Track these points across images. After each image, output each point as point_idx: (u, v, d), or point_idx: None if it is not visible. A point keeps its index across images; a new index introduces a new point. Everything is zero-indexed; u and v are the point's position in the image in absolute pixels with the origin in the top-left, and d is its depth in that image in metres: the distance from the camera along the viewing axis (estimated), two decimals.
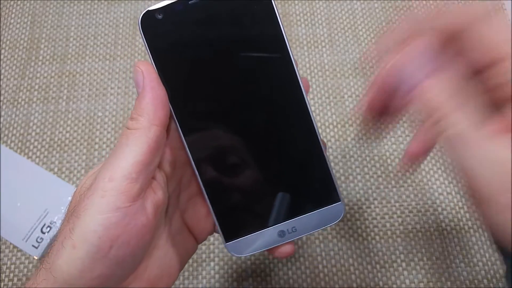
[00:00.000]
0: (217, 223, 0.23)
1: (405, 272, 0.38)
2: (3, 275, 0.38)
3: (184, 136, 0.22)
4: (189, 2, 0.21)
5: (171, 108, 0.21)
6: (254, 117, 0.22)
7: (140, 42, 0.48)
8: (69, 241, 0.18)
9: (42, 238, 0.38)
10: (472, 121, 0.17)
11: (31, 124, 0.44)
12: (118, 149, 0.19)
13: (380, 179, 0.41)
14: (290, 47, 0.21)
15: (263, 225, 0.23)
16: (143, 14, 0.22)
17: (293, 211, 0.23)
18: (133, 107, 0.20)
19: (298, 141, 0.22)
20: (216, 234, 0.39)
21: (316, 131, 0.22)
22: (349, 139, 0.43)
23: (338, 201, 0.23)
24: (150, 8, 0.21)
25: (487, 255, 0.38)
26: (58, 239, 0.19)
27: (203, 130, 0.22)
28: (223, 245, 0.23)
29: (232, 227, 0.23)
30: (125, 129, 0.20)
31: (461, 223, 0.39)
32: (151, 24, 0.21)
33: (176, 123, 0.22)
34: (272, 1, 0.21)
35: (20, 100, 0.46)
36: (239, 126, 0.22)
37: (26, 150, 0.43)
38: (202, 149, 0.22)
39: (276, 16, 0.21)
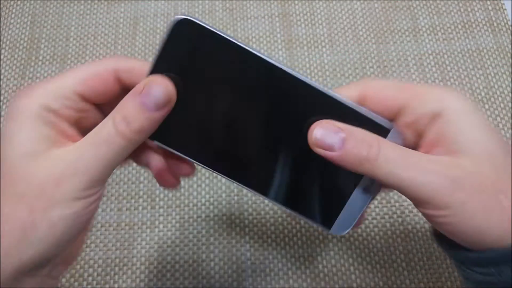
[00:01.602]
0: (311, 222, 0.24)
1: (405, 272, 0.38)
2: None
3: (228, 175, 0.23)
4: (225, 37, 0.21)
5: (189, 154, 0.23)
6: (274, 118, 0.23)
7: (140, 42, 0.48)
8: (45, 222, 0.19)
9: None
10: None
11: None
12: (110, 151, 0.20)
13: None
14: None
15: (347, 195, 0.24)
16: (182, 19, 0.21)
17: None
18: (138, 115, 0.20)
19: (320, 108, 0.23)
20: (212, 232, 0.40)
21: (337, 97, 0.23)
22: None
23: (389, 130, 0.23)
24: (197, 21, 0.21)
25: None
26: (9, 221, 0.19)
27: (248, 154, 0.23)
28: (329, 233, 0.24)
29: (324, 216, 0.24)
30: (117, 133, 0.20)
31: None
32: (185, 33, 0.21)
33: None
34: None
35: None
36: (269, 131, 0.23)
37: None
38: (253, 175, 0.24)
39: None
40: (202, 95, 0.22)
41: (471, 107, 0.21)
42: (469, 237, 0.20)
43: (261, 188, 0.23)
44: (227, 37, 0.21)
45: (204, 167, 0.23)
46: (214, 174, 0.42)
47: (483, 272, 0.21)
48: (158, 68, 0.21)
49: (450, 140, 0.21)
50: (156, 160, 0.24)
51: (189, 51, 0.21)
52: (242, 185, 0.23)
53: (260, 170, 0.23)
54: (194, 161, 0.23)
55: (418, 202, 0.21)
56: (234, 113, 0.22)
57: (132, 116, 0.20)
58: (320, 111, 0.22)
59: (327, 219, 0.24)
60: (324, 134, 0.21)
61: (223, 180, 0.42)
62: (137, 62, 0.22)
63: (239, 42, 0.21)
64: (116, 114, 0.20)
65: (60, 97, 0.20)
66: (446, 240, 0.22)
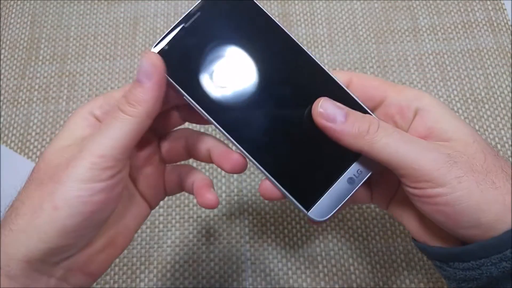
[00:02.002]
0: (291, 198, 0.24)
1: (405, 272, 0.38)
2: None
3: (223, 127, 0.24)
4: (185, 26, 0.24)
5: (204, 109, 0.24)
6: (282, 91, 0.25)
7: (140, 42, 0.48)
8: (50, 204, 0.19)
9: None
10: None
11: (31, 124, 0.44)
12: (109, 128, 0.21)
13: None
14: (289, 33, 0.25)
15: (331, 181, 0.24)
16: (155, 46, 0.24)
17: (350, 156, 0.24)
18: (133, 90, 0.22)
19: (327, 95, 0.24)
20: (212, 232, 0.40)
21: (339, 82, 0.24)
22: None
23: None
24: (155, 49, 0.24)
25: None
26: (26, 202, 0.20)
27: (243, 117, 0.24)
28: (306, 216, 0.24)
29: (305, 195, 0.24)
30: (119, 111, 0.21)
31: None
32: (164, 58, 0.23)
33: (208, 115, 0.24)
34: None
35: (20, 100, 0.46)
36: (271, 103, 0.24)
37: (26, 150, 0.43)
38: (248, 133, 0.24)
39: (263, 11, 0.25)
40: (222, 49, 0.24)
41: (443, 104, 0.23)
42: (466, 218, 0.20)
43: (251, 148, 0.24)
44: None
45: (204, 115, 0.24)
46: (215, 174, 0.42)
47: (464, 267, 0.21)
48: (188, 86, 0.24)
49: (439, 130, 0.22)
50: (199, 177, 0.26)
51: (181, 58, 0.24)
52: (234, 141, 0.24)
53: (254, 130, 0.24)
54: (198, 106, 0.24)
55: (415, 179, 0.21)
56: (244, 71, 0.24)
57: (129, 92, 0.21)
58: (324, 92, 0.24)
59: (307, 200, 0.24)
60: (329, 107, 0.23)
61: (223, 180, 0.42)
62: None
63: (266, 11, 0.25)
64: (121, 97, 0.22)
65: (104, 105, 0.23)
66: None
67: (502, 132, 0.43)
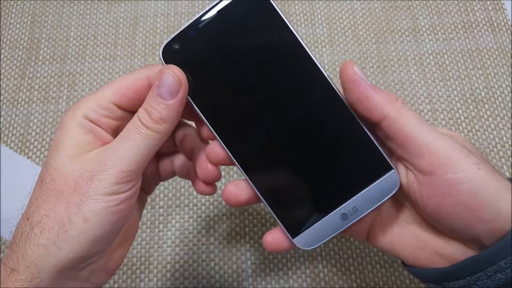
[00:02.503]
0: (279, 222, 0.23)
1: (405, 272, 0.38)
2: None
3: (225, 142, 0.23)
4: (199, 26, 0.22)
5: (210, 122, 0.23)
6: (288, 109, 0.23)
7: (140, 42, 0.48)
8: (79, 216, 0.20)
9: None
10: None
11: (31, 124, 0.44)
12: (134, 144, 0.21)
13: None
14: (302, 40, 0.23)
15: (324, 212, 0.23)
16: (162, 49, 0.23)
17: (348, 191, 0.23)
18: (156, 106, 0.22)
19: (334, 122, 0.23)
20: (212, 232, 0.40)
21: (349, 107, 0.23)
22: None
23: (391, 170, 0.22)
24: (166, 41, 0.23)
25: None
26: (51, 216, 0.20)
27: (242, 132, 0.23)
28: (291, 241, 0.23)
29: (294, 221, 0.23)
30: (143, 127, 0.21)
31: None
32: (172, 55, 0.22)
33: (215, 132, 0.23)
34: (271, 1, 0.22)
35: (20, 100, 0.46)
36: (276, 120, 0.23)
37: (26, 150, 0.43)
38: (247, 152, 0.23)
39: (280, 15, 0.22)
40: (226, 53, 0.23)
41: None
42: (487, 209, 0.19)
43: (245, 163, 0.23)
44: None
45: (206, 123, 0.23)
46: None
47: (460, 285, 0.20)
48: (192, 90, 0.23)
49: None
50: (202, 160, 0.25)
51: (190, 58, 0.23)
52: (231, 156, 0.23)
53: (253, 146, 0.23)
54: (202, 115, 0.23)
55: (433, 163, 0.20)
56: (250, 89, 0.23)
57: (151, 107, 0.21)
58: (338, 127, 0.23)
59: (295, 227, 0.23)
60: (359, 69, 0.22)
61: (223, 180, 0.42)
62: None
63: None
64: (140, 108, 0.22)
65: (98, 108, 0.22)
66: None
67: (502, 132, 0.43)
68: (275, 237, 0.24)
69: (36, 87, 0.46)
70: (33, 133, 0.44)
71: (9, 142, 0.43)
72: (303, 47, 0.23)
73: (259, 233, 0.40)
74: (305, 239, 0.23)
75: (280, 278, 0.38)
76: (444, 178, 0.20)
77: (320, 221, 0.23)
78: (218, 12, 0.22)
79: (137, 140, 0.21)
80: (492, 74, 0.45)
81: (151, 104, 0.22)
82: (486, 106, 0.44)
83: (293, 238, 0.23)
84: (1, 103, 0.45)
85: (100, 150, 0.22)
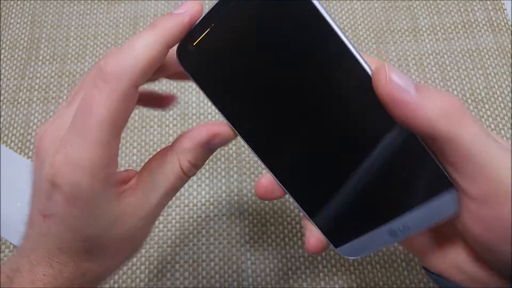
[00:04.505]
0: (321, 232, 0.22)
1: (405, 272, 0.38)
2: None
3: (261, 157, 0.21)
4: (217, 18, 0.19)
5: (235, 125, 0.21)
6: (336, 118, 0.20)
7: None
8: None
9: None
10: None
11: (31, 124, 0.44)
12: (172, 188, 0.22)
13: None
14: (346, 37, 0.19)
15: (371, 227, 0.21)
16: (178, 46, 0.20)
17: (399, 208, 0.20)
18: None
19: (385, 133, 0.19)
20: (212, 232, 0.40)
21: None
22: None
23: (450, 188, 0.19)
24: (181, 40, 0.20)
25: None
26: None
27: (285, 144, 0.21)
28: (335, 250, 0.22)
29: (338, 232, 0.22)
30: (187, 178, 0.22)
31: None
32: (189, 55, 0.20)
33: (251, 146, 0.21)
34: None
35: (20, 100, 0.46)
36: (323, 132, 0.20)
37: (26, 150, 0.43)
38: (281, 159, 0.21)
39: (319, 11, 0.18)
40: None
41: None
42: None
43: (286, 178, 0.21)
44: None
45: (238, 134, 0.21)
46: (215, 174, 0.42)
47: None
48: (211, 89, 0.20)
49: None
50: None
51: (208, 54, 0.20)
52: (268, 168, 0.21)
53: (295, 160, 0.21)
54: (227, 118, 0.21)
55: (493, 195, 0.17)
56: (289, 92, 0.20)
57: (198, 160, 0.21)
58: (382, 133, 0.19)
59: (339, 238, 0.22)
60: (398, 74, 0.17)
61: (223, 180, 0.42)
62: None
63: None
64: (186, 162, 0.21)
65: (109, 157, 0.19)
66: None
67: (502, 132, 0.43)
68: (319, 240, 0.22)
69: (36, 87, 0.46)
70: (33, 133, 0.44)
71: (9, 142, 0.43)
72: (348, 47, 0.18)
73: (259, 233, 0.40)
74: (348, 249, 0.22)
75: (280, 278, 0.38)
76: (495, 213, 0.17)
77: (366, 234, 0.21)
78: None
79: (176, 191, 0.22)
80: (492, 74, 0.45)
81: (199, 157, 0.21)
82: (486, 106, 0.44)
83: (336, 247, 0.22)
84: (1, 103, 0.45)
85: (138, 207, 0.21)
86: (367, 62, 0.19)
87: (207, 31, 0.19)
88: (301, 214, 0.40)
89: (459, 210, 0.19)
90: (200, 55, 0.20)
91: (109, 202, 0.20)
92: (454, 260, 0.21)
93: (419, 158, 0.19)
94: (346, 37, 0.19)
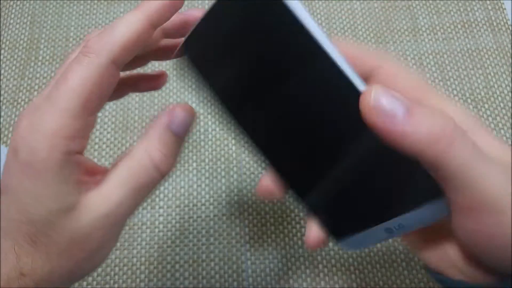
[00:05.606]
0: (320, 225, 0.23)
1: (405, 272, 0.38)
2: None
3: (268, 160, 0.22)
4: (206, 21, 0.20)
5: (234, 119, 0.21)
6: (334, 124, 0.21)
7: None
8: None
9: None
10: None
11: None
12: (145, 183, 0.20)
13: None
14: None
15: (368, 225, 0.22)
16: (184, 42, 0.20)
17: (395, 210, 0.21)
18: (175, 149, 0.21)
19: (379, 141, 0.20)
20: (212, 232, 0.40)
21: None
22: None
23: (440, 197, 0.20)
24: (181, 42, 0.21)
25: None
26: None
27: (284, 143, 0.22)
28: (337, 244, 0.23)
29: (337, 230, 0.23)
30: (161, 176, 0.20)
31: None
32: (194, 50, 0.21)
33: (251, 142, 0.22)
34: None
35: (20, 100, 0.46)
36: (318, 124, 0.21)
37: None
38: (290, 168, 0.22)
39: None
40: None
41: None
42: None
43: (289, 177, 0.22)
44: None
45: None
46: (214, 174, 0.42)
47: None
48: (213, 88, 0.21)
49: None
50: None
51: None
52: (269, 163, 0.22)
53: (295, 159, 0.21)
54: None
55: (478, 204, 0.17)
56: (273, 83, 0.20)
57: (167, 147, 0.20)
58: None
59: (339, 232, 0.23)
60: (385, 97, 0.17)
61: (223, 180, 0.42)
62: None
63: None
64: (155, 150, 0.20)
65: (75, 130, 0.18)
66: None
67: (502, 132, 0.43)
68: (316, 235, 0.23)
69: (36, 87, 0.46)
70: None
71: (9, 142, 0.43)
72: (329, 44, 0.20)
73: (259, 233, 0.40)
74: (348, 243, 0.23)
75: (280, 278, 0.38)
76: (481, 220, 0.17)
77: (363, 231, 0.22)
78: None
79: (151, 190, 0.20)
80: (492, 74, 0.45)
81: (170, 148, 0.20)
82: (486, 106, 0.44)
83: (337, 241, 0.23)
84: (1, 103, 0.45)
85: (101, 199, 0.19)
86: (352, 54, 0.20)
87: (208, 27, 0.20)
88: (301, 213, 0.40)
89: (448, 212, 0.19)
90: (201, 48, 0.20)
91: (64, 182, 0.18)
92: (451, 256, 0.21)
93: (415, 168, 0.19)
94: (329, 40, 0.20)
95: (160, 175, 0.20)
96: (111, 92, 0.19)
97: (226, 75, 0.21)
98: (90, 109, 0.18)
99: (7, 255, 0.18)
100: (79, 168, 0.19)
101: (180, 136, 0.20)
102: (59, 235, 0.18)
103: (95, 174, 0.20)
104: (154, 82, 0.27)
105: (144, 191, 0.20)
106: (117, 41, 0.18)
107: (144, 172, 0.19)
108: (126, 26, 0.18)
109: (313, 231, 0.23)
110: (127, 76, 0.25)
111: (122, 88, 0.25)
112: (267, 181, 0.22)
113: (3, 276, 0.17)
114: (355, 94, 0.19)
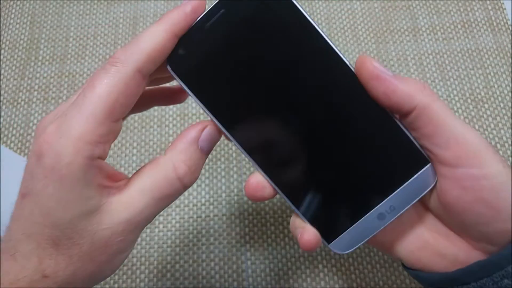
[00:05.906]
0: (312, 227, 0.23)
1: (405, 272, 0.38)
2: None
3: (250, 154, 0.22)
4: (206, 25, 0.20)
5: (222, 124, 0.21)
6: (316, 109, 0.21)
7: None
8: None
9: None
10: None
11: (31, 124, 0.44)
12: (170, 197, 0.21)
13: None
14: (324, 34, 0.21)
15: (360, 214, 0.22)
16: (169, 56, 0.21)
17: (384, 190, 0.22)
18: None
19: (364, 119, 0.21)
20: (212, 232, 0.40)
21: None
22: None
23: (427, 164, 0.21)
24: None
25: None
26: None
27: (270, 138, 0.22)
28: (327, 247, 0.22)
29: (329, 226, 0.22)
30: (183, 188, 0.21)
31: None
32: (179, 61, 0.21)
33: (237, 142, 0.22)
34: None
35: (20, 100, 0.46)
36: (305, 123, 0.22)
37: (26, 150, 0.43)
38: (270, 157, 0.22)
39: (300, 11, 0.21)
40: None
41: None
42: (507, 208, 0.19)
43: (274, 174, 0.22)
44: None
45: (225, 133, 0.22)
46: (214, 174, 0.42)
47: None
48: (204, 94, 0.21)
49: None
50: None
51: (199, 61, 0.21)
52: (255, 163, 0.22)
53: (280, 156, 0.22)
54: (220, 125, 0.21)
55: (460, 156, 0.19)
56: (274, 90, 0.21)
57: (192, 161, 0.21)
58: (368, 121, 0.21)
59: (330, 232, 0.22)
60: (379, 64, 0.21)
61: (223, 180, 0.42)
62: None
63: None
64: (180, 163, 0.20)
65: (99, 135, 0.18)
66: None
67: (502, 131, 0.43)
68: (311, 236, 0.23)
69: (36, 87, 0.46)
70: (33, 133, 0.44)
71: (9, 142, 0.43)
72: (325, 40, 0.21)
73: (259, 233, 0.40)
74: (341, 243, 0.22)
75: (280, 278, 0.38)
76: (468, 172, 0.19)
77: (356, 223, 0.22)
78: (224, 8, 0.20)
79: (172, 200, 0.21)
80: (492, 74, 0.45)
81: (194, 161, 0.21)
82: (486, 105, 0.44)
83: (329, 243, 0.22)
84: (1, 103, 0.45)
85: (123, 204, 0.19)
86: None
87: (191, 38, 0.21)
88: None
89: (436, 180, 0.21)
90: (188, 58, 0.21)
91: (87, 186, 0.18)
92: (425, 237, 0.22)
93: (398, 141, 0.21)
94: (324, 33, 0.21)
95: (182, 187, 0.20)
96: (135, 101, 0.20)
97: (215, 81, 0.22)
98: (115, 115, 0.19)
99: (30, 257, 0.18)
100: (101, 173, 0.19)
101: (205, 152, 0.21)
102: (81, 238, 0.18)
103: (115, 180, 0.20)
104: (177, 95, 0.27)
105: (165, 201, 0.20)
106: (143, 51, 0.19)
107: (168, 183, 0.20)
108: (151, 37, 0.19)
109: (306, 231, 0.23)
110: (151, 90, 0.26)
111: (146, 101, 0.26)
112: (254, 180, 0.22)
113: (26, 278, 0.18)
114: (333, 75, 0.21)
